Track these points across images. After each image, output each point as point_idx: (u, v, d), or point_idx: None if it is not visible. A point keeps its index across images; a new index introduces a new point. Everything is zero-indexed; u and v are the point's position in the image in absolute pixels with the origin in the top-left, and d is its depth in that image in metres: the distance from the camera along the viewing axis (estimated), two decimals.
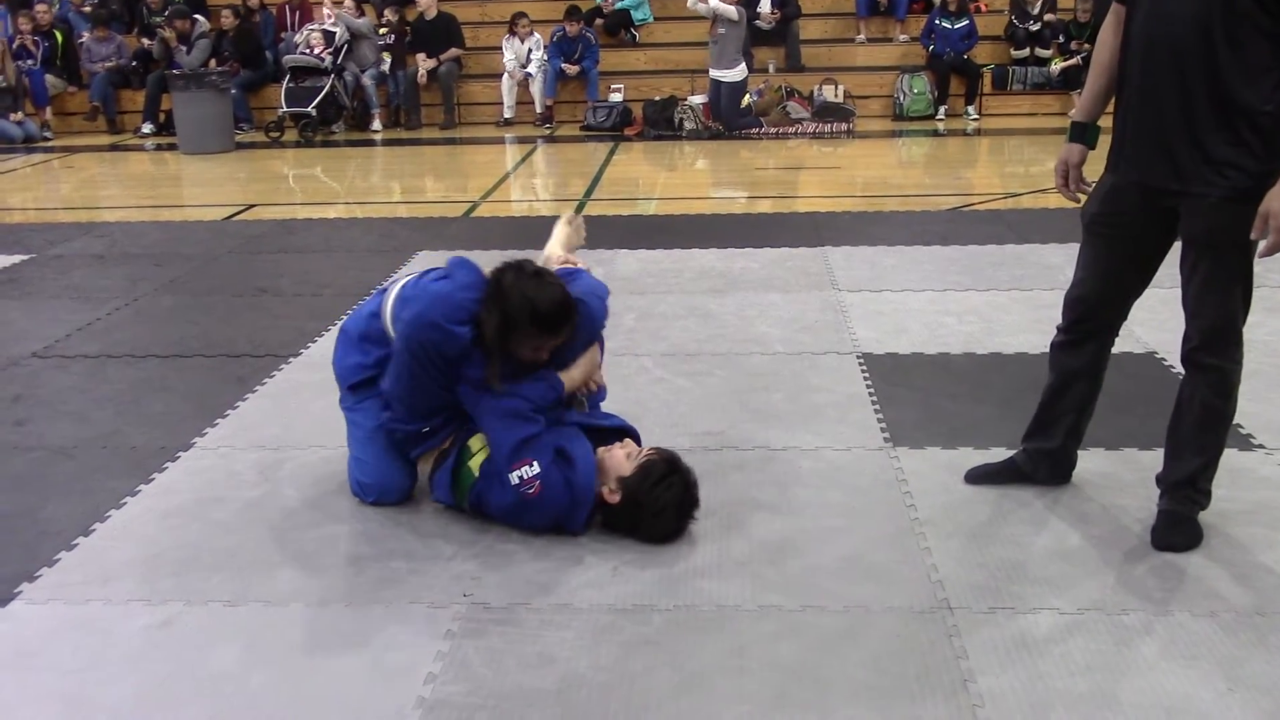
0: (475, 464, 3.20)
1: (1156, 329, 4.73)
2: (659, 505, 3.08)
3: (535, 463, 3.07)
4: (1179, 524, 3.08)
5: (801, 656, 2.60)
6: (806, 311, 5.25)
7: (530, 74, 12.73)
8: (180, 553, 3.14)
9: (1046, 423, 3.36)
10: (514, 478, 3.07)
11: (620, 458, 3.16)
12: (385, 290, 3.44)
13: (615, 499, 3.12)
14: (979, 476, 3.45)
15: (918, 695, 2.45)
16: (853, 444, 3.75)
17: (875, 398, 4.16)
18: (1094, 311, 3.18)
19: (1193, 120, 2.83)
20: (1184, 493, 3.09)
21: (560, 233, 3.86)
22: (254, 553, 3.13)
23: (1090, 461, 3.53)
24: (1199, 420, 3.05)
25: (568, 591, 2.89)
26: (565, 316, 3.14)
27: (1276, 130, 2.76)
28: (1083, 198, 3.19)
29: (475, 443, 3.22)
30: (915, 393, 4.21)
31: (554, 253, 3.74)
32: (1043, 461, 3.39)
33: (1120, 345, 4.31)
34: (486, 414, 3.14)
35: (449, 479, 3.25)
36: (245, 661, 2.62)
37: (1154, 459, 3.52)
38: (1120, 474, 3.48)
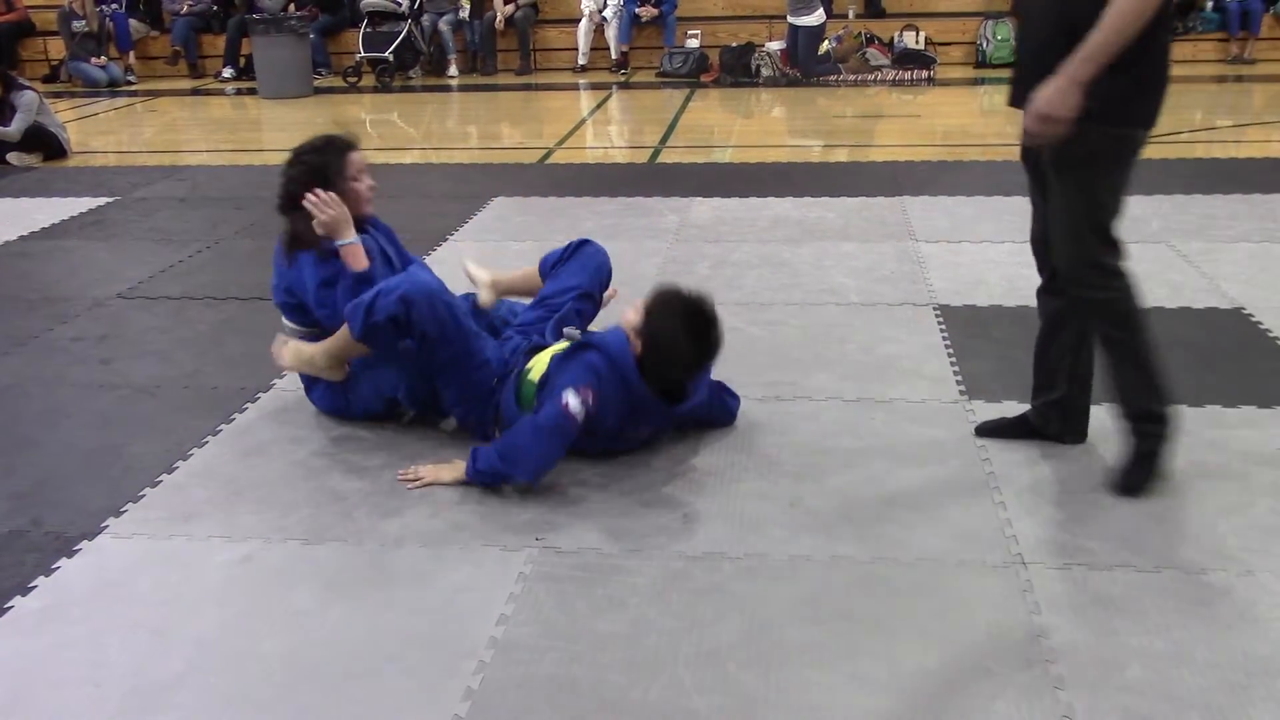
0: (535, 375, 3.29)
1: (1244, 284, 4.61)
2: (668, 333, 3.10)
3: (569, 393, 3.06)
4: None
5: (872, 608, 2.59)
6: (883, 262, 5.19)
7: (606, 19, 12.64)
8: (259, 491, 3.20)
9: (1045, 372, 3.27)
10: (574, 406, 3.05)
11: (629, 316, 3.20)
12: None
13: (640, 350, 3.15)
14: (991, 430, 3.40)
15: (989, 650, 2.43)
16: (928, 396, 3.72)
17: (951, 350, 4.11)
18: (1048, 249, 3.10)
19: (1049, 46, 2.79)
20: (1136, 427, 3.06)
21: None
22: (331, 493, 3.18)
23: None
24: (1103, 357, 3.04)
25: (638, 538, 2.90)
26: None
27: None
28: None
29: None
30: (993, 345, 4.15)
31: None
32: (1053, 413, 3.30)
33: (1206, 300, 4.21)
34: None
35: (512, 398, 3.33)
36: (322, 598, 2.68)
37: (1238, 416, 3.46)
38: (1202, 431, 3.40)
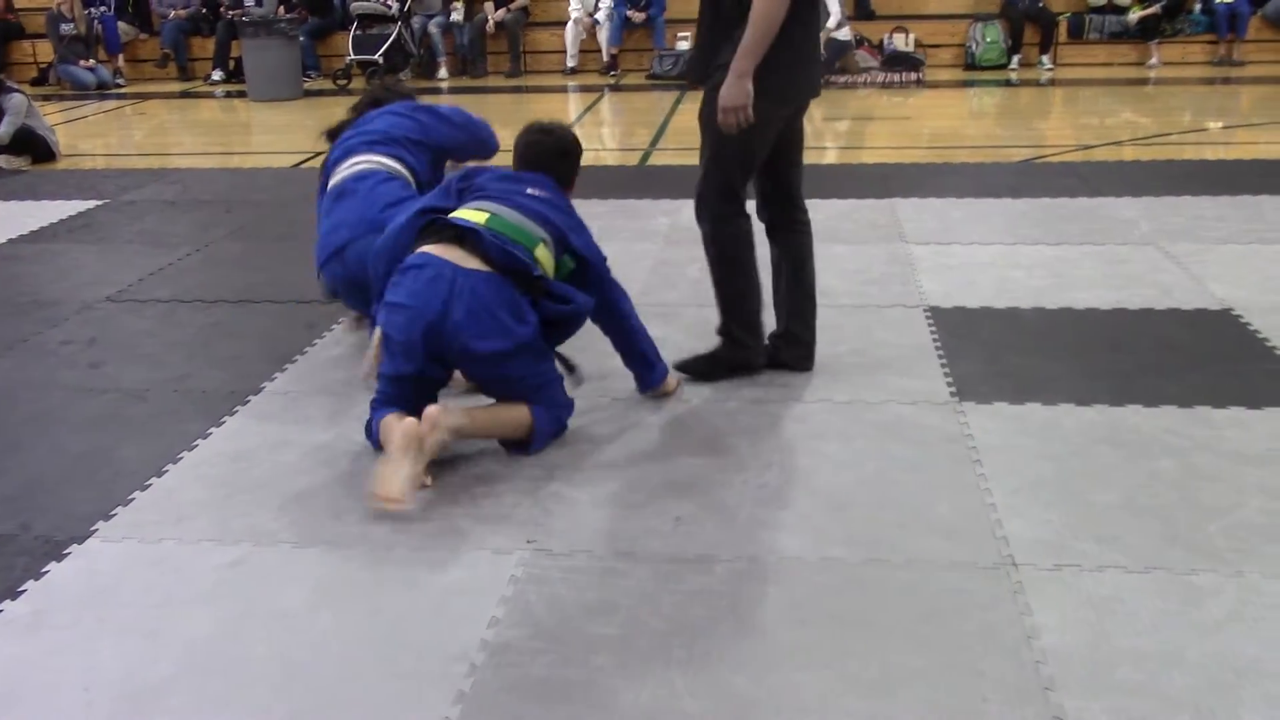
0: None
1: (1232, 285, 4.63)
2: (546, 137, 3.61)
3: None
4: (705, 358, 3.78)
5: (863, 610, 2.60)
6: (873, 264, 5.20)
7: (597, 21, 12.65)
8: (250, 495, 3.20)
9: (777, 307, 3.91)
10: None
11: None
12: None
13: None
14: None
15: (980, 651, 2.44)
16: (918, 398, 3.72)
17: (942, 351, 4.12)
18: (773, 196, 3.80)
19: (705, 28, 3.47)
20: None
21: None
22: (321, 496, 3.18)
23: (1161, 419, 3.47)
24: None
25: (630, 540, 2.90)
26: None
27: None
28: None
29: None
30: (983, 347, 4.15)
31: None
32: (780, 344, 3.91)
33: (1194, 301, 4.21)
34: None
35: None
36: (312, 602, 2.67)
37: (1227, 417, 3.48)
38: (1192, 431, 3.42)
